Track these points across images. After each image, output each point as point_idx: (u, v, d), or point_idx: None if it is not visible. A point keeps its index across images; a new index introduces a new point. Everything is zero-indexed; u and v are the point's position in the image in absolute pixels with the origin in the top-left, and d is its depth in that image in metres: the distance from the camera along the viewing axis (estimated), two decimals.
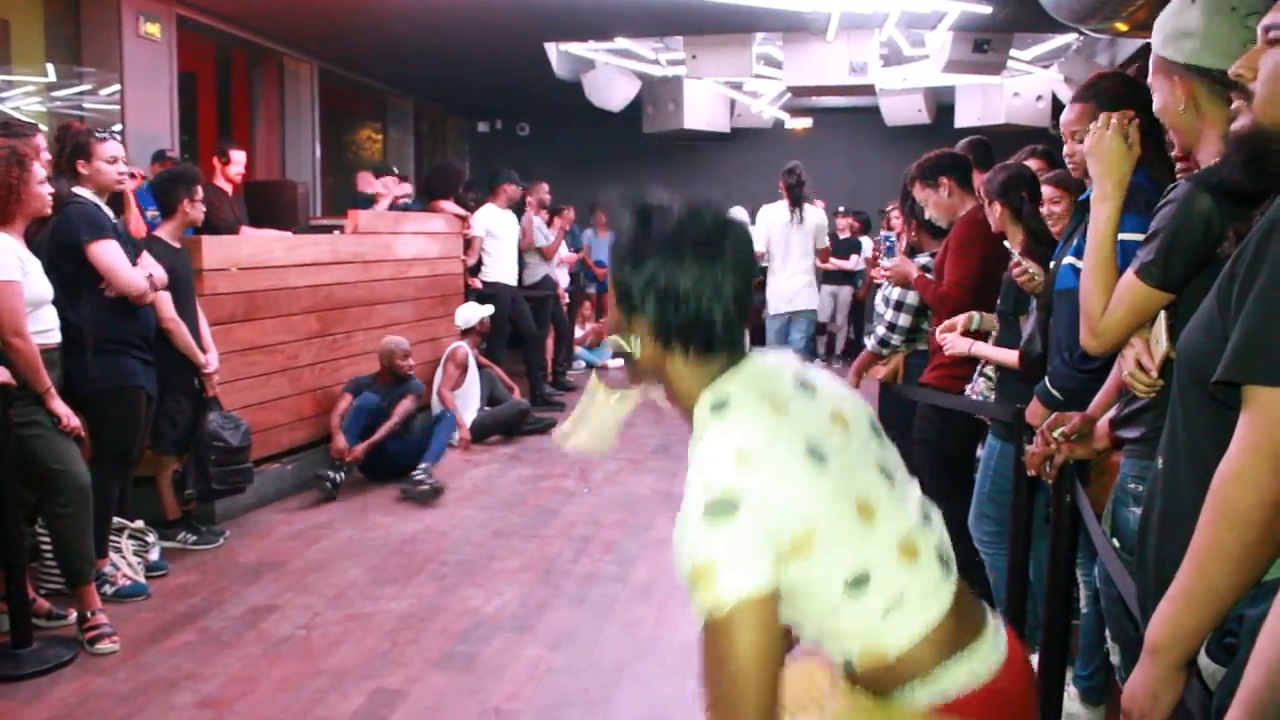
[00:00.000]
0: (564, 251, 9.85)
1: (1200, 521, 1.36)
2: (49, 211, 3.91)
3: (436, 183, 8.42)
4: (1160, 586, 1.47)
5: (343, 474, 6.02)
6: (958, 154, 4.45)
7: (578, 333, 11.07)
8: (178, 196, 4.86)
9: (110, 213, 4.48)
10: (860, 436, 1.54)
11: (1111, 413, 2.37)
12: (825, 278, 9.48)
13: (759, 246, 7.43)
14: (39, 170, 3.80)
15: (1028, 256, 3.36)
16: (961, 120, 10.64)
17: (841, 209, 11.26)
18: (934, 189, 4.29)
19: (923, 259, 4.51)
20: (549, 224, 9.35)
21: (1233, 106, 1.60)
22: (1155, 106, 2.10)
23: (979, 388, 3.75)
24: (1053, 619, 2.73)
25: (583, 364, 11.14)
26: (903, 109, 11.35)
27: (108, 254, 4.23)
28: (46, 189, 3.82)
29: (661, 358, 1.55)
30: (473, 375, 7.36)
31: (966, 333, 3.78)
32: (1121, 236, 2.52)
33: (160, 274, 4.47)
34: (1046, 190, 3.32)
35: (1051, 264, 3.10)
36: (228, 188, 6.56)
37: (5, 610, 3.78)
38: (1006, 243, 3.52)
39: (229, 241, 5.69)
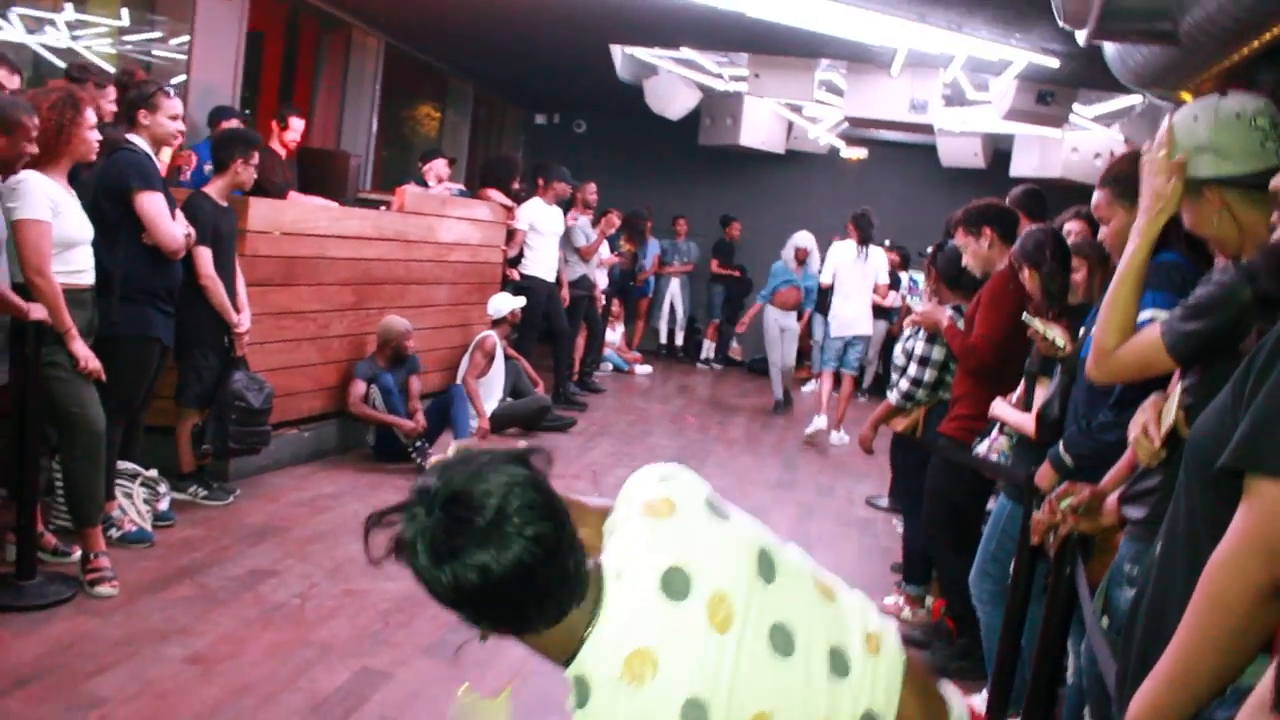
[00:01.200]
0: (604, 253, 9.88)
1: (1190, 604, 1.38)
2: (94, 158, 3.98)
3: (490, 171, 8.48)
4: (1142, 668, 1.49)
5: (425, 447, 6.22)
6: (1006, 207, 4.41)
7: (608, 335, 11.09)
8: (233, 155, 4.93)
9: (160, 164, 4.56)
10: (752, 610, 1.40)
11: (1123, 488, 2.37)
12: None
13: (825, 279, 8.97)
14: (91, 116, 3.86)
15: (1053, 321, 3.34)
16: (1017, 169, 10.59)
17: (887, 243, 11.24)
18: (975, 237, 4.25)
19: (947, 310, 4.48)
20: (594, 224, 9.38)
21: (1273, 219, 1.63)
22: (1187, 224, 2.13)
23: (999, 445, 3.72)
24: (1037, 690, 2.72)
25: (610, 367, 11.16)
26: (959, 151, 11.32)
27: (153, 205, 4.31)
28: (95, 136, 3.89)
29: None
30: (498, 365, 7.40)
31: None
32: (1150, 314, 2.52)
33: (193, 232, 4.55)
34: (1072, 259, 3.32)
35: (1081, 331, 3.09)
36: (282, 152, 6.64)
37: (12, 541, 3.85)
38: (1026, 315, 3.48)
39: (275, 205, 5.76)
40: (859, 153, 12.91)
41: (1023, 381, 3.58)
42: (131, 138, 4.40)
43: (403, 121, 11.90)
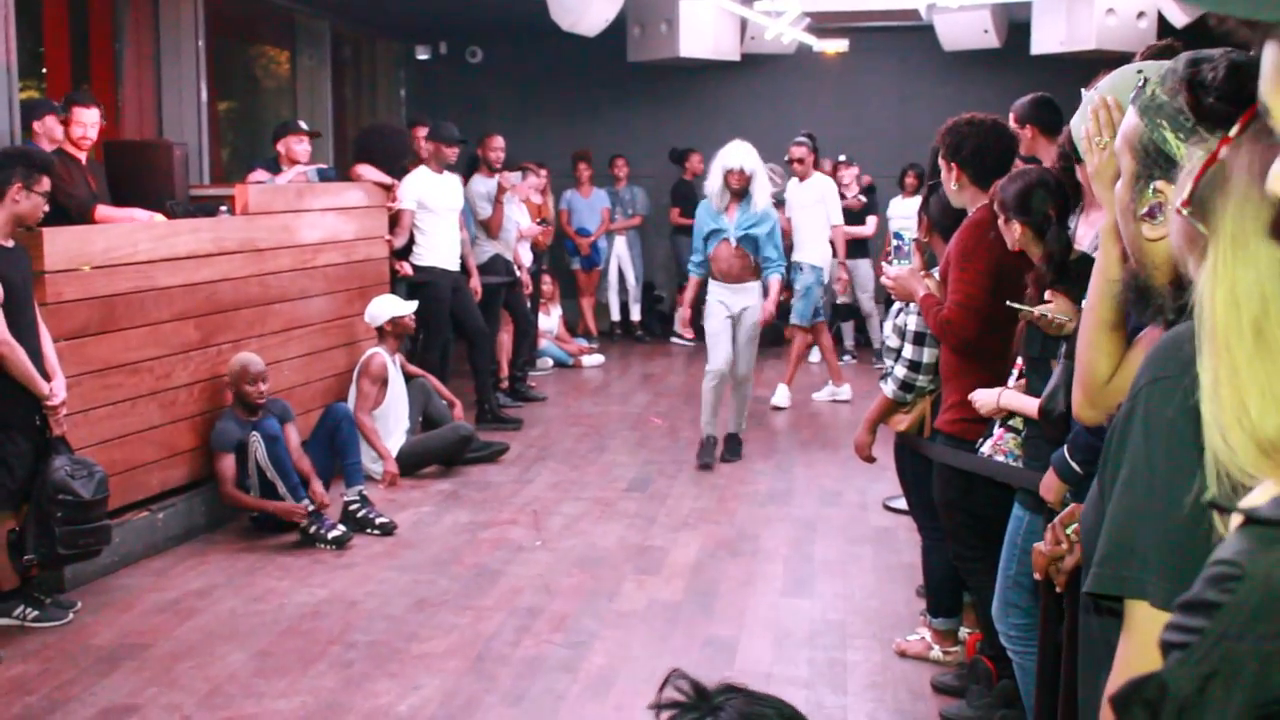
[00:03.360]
0: (525, 222, 9.93)
1: None
2: None
3: (367, 146, 8.52)
4: None
5: (333, 527, 6.26)
6: (994, 130, 4.41)
7: (543, 322, 11.17)
8: (8, 181, 5.00)
9: None
10: None
11: None
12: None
13: (838, 219, 10.08)
14: None
15: (1057, 294, 3.43)
16: (1040, 45, 10.76)
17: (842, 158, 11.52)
18: (946, 170, 4.29)
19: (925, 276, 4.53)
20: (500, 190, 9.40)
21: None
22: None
23: (1005, 443, 3.84)
24: None
25: (550, 363, 11.27)
26: (964, 30, 11.41)
27: None
28: None
29: None
30: (396, 389, 7.49)
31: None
32: None
33: None
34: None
35: (1083, 304, 3.21)
36: (81, 156, 6.62)
37: None
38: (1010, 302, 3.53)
39: (79, 234, 5.83)
40: (838, 45, 12.96)
41: (1018, 364, 3.69)
42: None
43: (242, 86, 11.91)
